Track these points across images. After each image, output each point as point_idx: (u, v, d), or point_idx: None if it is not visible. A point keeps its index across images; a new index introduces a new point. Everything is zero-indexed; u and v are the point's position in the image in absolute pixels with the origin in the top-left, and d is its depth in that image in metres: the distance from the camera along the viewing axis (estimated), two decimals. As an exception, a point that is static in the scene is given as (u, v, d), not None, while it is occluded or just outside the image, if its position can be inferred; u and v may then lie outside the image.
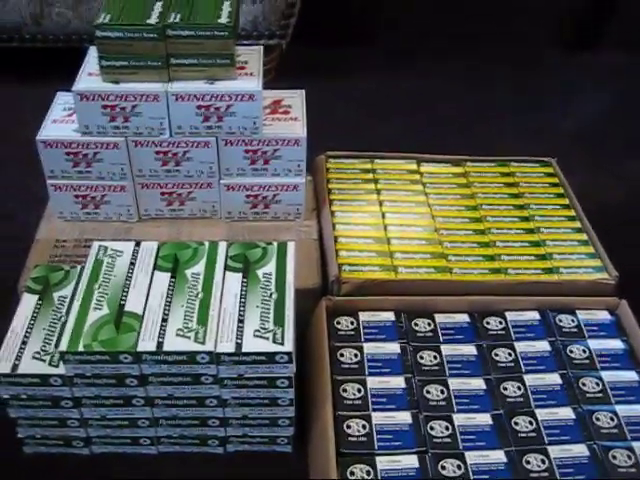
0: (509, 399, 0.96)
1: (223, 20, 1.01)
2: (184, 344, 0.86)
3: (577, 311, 1.07)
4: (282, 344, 0.87)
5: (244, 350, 0.86)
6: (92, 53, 1.09)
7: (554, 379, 0.99)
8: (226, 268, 0.96)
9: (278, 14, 1.67)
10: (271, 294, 0.93)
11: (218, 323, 0.89)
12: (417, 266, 1.10)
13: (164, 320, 0.89)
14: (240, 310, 0.91)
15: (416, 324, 1.04)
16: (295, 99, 1.17)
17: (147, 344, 0.86)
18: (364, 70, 1.85)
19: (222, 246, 0.99)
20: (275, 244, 0.99)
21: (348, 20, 2.04)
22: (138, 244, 0.99)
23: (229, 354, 0.86)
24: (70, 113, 1.11)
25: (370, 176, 1.27)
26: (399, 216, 1.18)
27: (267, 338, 0.87)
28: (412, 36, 1.99)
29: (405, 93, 1.77)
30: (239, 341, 0.87)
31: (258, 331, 0.88)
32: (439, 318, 1.06)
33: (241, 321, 0.90)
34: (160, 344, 0.86)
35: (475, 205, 1.22)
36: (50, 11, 1.68)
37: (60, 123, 1.12)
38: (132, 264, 0.97)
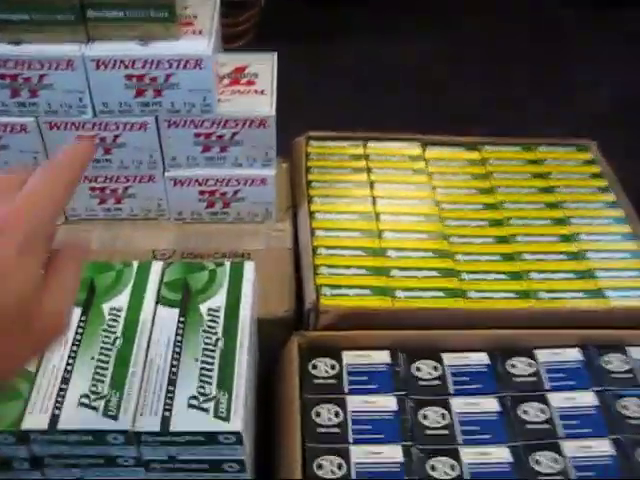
0: (543, 478, 0.70)
1: (158, -43, 0.73)
2: (88, 419, 0.61)
3: (630, 348, 0.81)
4: (227, 420, 0.61)
5: (173, 429, 0.60)
6: (-10, 4, 0.81)
7: (603, 448, 0.73)
8: (159, 300, 0.70)
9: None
10: (217, 340, 0.67)
11: (140, 386, 0.63)
12: (421, 288, 0.83)
13: (64, 381, 0.63)
14: (172, 365, 0.65)
15: (418, 369, 0.78)
16: (264, 66, 0.90)
17: (36, 420, 0.61)
18: (358, 32, 1.57)
19: (155, 268, 0.73)
20: (227, 265, 0.73)
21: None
22: (42, 266, 0.72)
23: (152, 434, 0.60)
24: (-34, 84, 0.83)
25: (362, 164, 1.00)
26: (399, 219, 0.92)
27: (206, 410, 0.61)
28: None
29: (406, 62, 1.49)
30: (167, 414, 0.61)
31: (195, 399, 0.62)
32: (448, 359, 0.80)
33: (172, 382, 0.64)
34: (54, 419, 0.61)
35: (495, 203, 0.96)
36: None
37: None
38: (31, 294, 0.70)
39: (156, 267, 0.73)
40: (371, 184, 0.97)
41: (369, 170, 0.99)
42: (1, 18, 0.76)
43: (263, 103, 0.85)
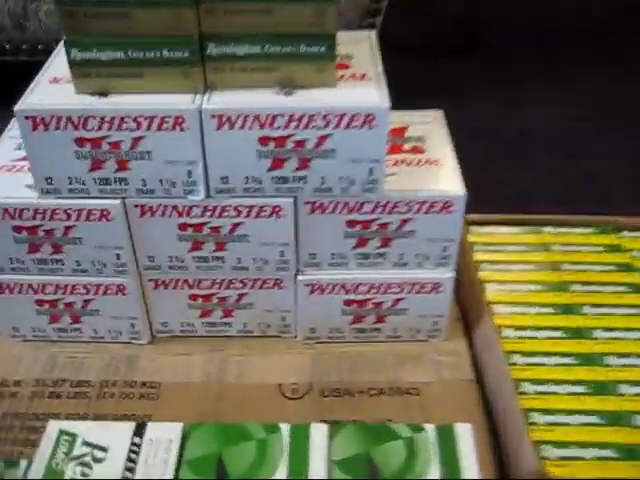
0: None
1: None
2: None
3: None
4: None
5: None
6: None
7: None
8: (331, 493, 0.43)
9: (360, 10, 1.16)
10: None
11: None
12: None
13: None
14: None
15: None
16: (428, 127, 0.65)
17: None
18: (470, 92, 1.32)
19: (318, 434, 0.46)
20: (430, 430, 0.46)
21: (446, 20, 1.51)
22: (140, 430, 0.46)
23: None
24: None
25: (543, 256, 0.74)
26: (619, 336, 0.65)
27: None
28: (532, 43, 1.46)
29: (530, 126, 1.23)
30: None
31: None
32: None
33: None
34: None
35: None
36: (37, 10, 1.18)
37: (7, 172, 0.60)
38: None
39: (318, 433, 0.46)
40: (565, 285, 0.70)
41: (558, 267, 0.72)
42: (84, 58, 0.52)
43: (443, 178, 0.59)
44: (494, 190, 0.98)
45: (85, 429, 0.47)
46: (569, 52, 1.44)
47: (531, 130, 1.22)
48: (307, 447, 0.46)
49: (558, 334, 0.65)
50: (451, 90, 1.30)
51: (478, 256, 0.74)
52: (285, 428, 0.47)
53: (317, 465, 0.45)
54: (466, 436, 0.46)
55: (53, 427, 0.47)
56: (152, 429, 0.47)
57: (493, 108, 1.28)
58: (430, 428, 0.47)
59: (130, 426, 0.47)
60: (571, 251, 0.75)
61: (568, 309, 0.68)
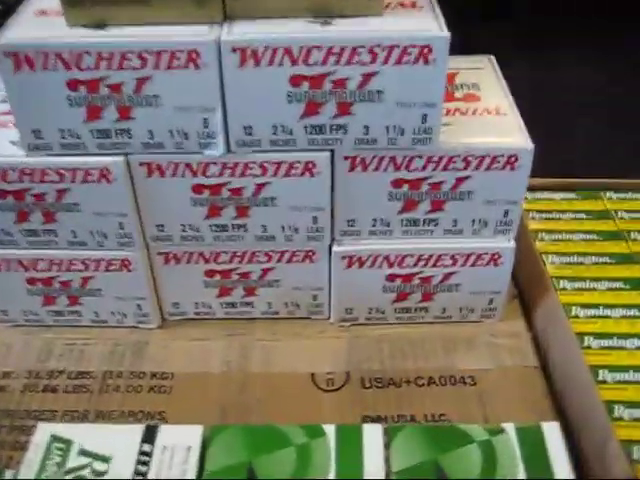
0: None
1: None
2: None
3: None
4: None
5: None
6: (52, -30, 0.47)
7: None
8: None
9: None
10: None
11: None
12: None
13: None
14: None
15: None
16: (481, 73, 0.56)
17: None
18: (504, 54, 1.22)
19: (371, 438, 0.37)
20: (510, 430, 0.37)
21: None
22: (151, 435, 0.37)
23: None
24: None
25: (607, 225, 0.65)
26: None
27: None
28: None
29: (564, 90, 1.14)
30: None
31: None
32: None
33: None
34: None
35: None
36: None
37: (-11, 128, 0.51)
38: (134, 497, 0.34)
39: (372, 437, 0.37)
40: (634, 257, 0.61)
41: (627, 236, 0.63)
42: (74, -21, 0.42)
43: (505, 129, 0.50)
44: (540, 155, 0.90)
45: (82, 434, 0.37)
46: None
47: (572, 94, 1.13)
48: (359, 454, 0.37)
49: (633, 312, 0.56)
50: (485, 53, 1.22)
51: (533, 225, 0.65)
52: (330, 430, 0.37)
53: (373, 476, 0.35)
54: (555, 437, 0.37)
55: (43, 431, 0.38)
56: (165, 433, 0.38)
57: (530, 72, 1.19)
58: (510, 429, 0.38)
59: (138, 430, 0.38)
60: (637, 219, 0.66)
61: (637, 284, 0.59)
